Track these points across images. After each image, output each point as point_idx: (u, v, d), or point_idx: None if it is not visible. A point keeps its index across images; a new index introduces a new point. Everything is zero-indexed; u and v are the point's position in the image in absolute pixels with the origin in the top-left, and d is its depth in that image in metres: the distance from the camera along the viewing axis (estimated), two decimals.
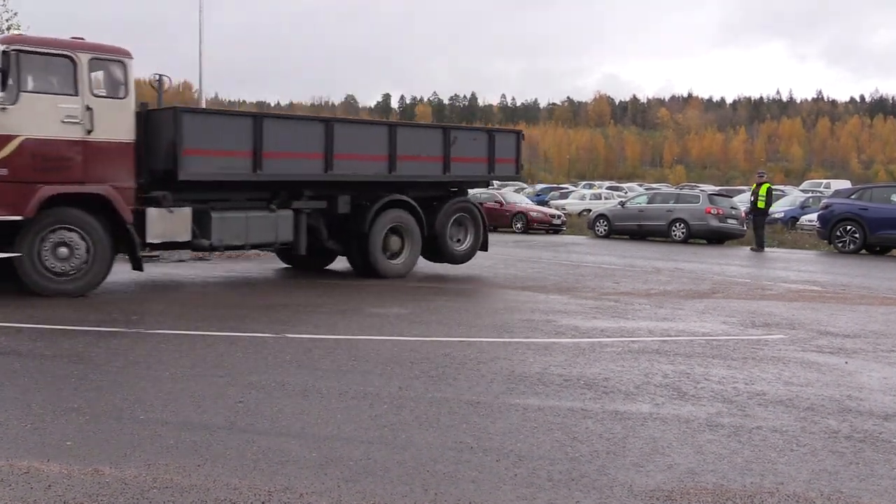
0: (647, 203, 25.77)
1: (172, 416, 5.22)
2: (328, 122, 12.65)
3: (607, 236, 25.41)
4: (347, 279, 12.68)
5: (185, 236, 11.02)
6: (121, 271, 13.20)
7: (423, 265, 13.63)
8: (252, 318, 8.92)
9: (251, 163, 11.31)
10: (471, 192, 15.52)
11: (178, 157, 10.57)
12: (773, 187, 23.25)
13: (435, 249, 13.90)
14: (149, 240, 10.73)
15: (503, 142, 14.59)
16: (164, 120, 10.83)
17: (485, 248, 14.65)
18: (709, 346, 7.96)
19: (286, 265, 14.45)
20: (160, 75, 11.72)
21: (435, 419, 5.26)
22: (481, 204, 15.80)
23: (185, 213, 10.96)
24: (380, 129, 13.37)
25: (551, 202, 41.25)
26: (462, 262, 14.36)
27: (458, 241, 14.16)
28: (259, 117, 11.71)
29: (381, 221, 12.78)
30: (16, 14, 23.06)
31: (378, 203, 12.72)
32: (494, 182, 19.07)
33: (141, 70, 11.82)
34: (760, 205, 21.70)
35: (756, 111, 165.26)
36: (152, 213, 10.66)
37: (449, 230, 13.88)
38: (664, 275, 14.57)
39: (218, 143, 11.06)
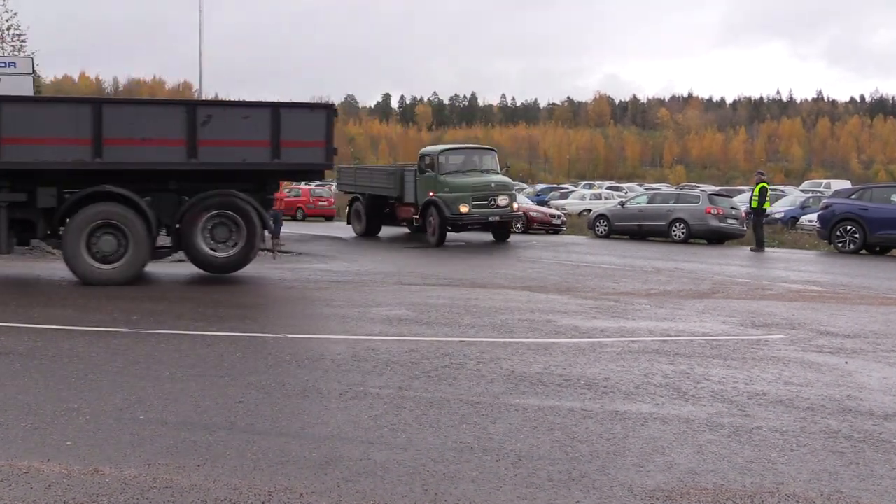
0: (647, 203, 25.75)
1: (172, 416, 5.23)
2: None
3: (607, 236, 25.38)
4: (347, 279, 12.67)
5: None
6: None
7: (423, 266, 13.54)
8: (252, 318, 8.92)
9: None
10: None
11: None
12: (773, 187, 23.27)
13: (186, 252, 11.81)
14: None
15: (301, 121, 11.73)
16: None
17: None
18: (709, 346, 7.96)
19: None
20: None
21: (435, 419, 5.26)
22: (269, 199, 12.46)
23: None
24: (76, 109, 11.17)
25: (551, 202, 41.25)
26: (225, 271, 11.87)
27: (234, 244, 11.74)
28: None
29: (82, 217, 10.93)
30: (16, 14, 23.15)
31: (74, 196, 10.91)
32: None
33: (142, 70, 11.68)
34: (754, 204, 21.77)
35: (756, 111, 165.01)
36: None
37: (203, 231, 11.57)
38: (664, 275, 14.56)
39: None
